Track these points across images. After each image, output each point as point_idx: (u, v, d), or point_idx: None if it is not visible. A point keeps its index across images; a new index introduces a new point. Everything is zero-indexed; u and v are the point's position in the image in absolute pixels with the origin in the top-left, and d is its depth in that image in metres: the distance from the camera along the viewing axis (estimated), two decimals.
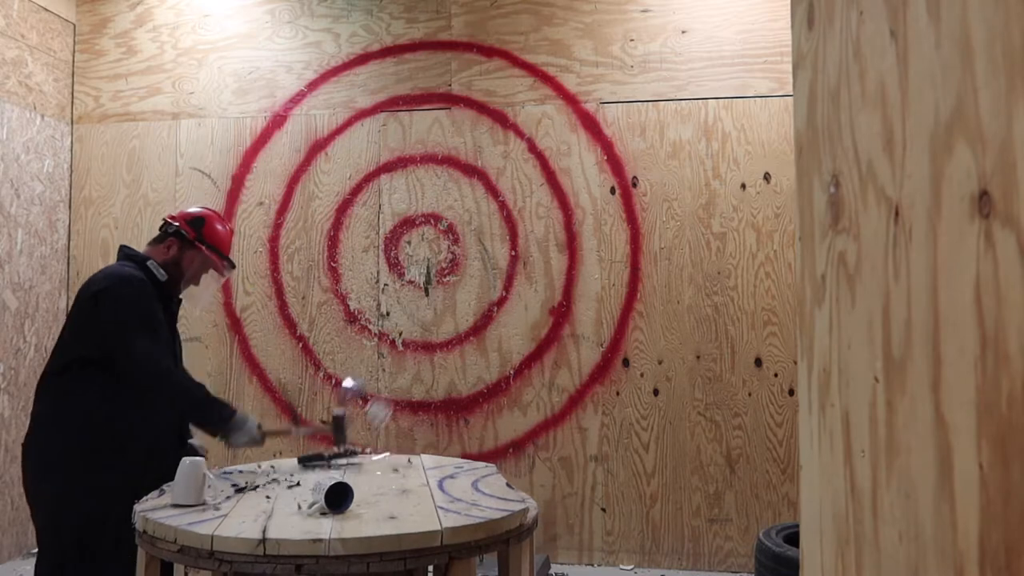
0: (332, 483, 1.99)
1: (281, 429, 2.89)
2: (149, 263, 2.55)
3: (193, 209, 2.74)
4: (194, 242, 2.61)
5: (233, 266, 2.77)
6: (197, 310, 2.75)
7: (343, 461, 2.63)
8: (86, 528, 2.32)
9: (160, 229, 2.67)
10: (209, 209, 2.78)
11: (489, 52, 4.12)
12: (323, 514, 1.97)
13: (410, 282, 4.12)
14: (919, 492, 0.69)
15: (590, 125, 4.01)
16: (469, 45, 4.14)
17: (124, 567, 2.29)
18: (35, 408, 2.46)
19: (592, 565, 3.88)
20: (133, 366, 2.38)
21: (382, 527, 1.87)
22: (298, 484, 2.29)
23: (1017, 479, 0.55)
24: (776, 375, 3.80)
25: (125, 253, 2.60)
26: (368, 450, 2.76)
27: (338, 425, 2.74)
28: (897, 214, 0.73)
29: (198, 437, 2.67)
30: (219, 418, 2.46)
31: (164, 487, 2.26)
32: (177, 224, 2.63)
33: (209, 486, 2.13)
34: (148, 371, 2.39)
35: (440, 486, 2.29)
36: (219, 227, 2.69)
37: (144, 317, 2.43)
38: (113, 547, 2.33)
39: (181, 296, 2.69)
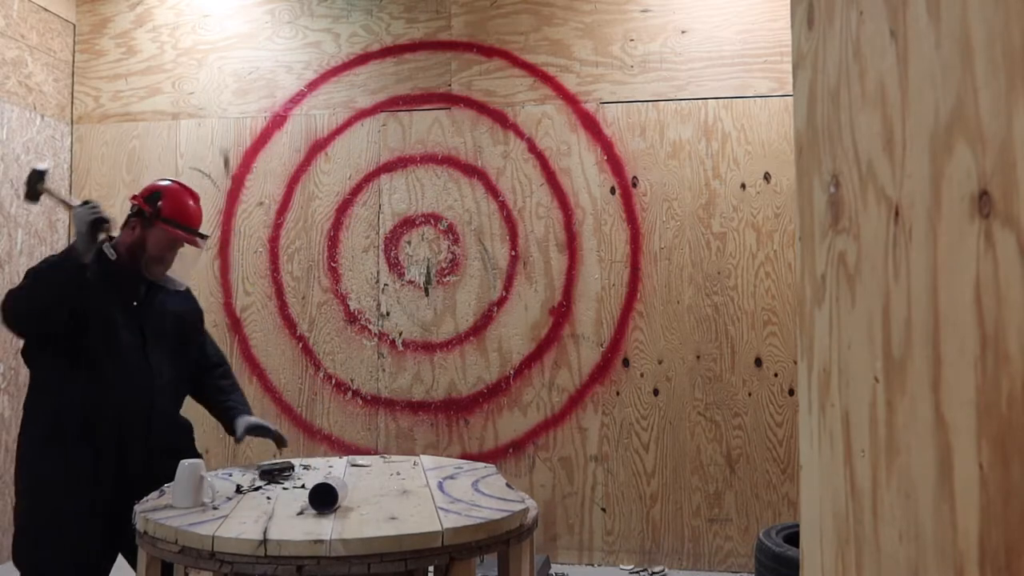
0: (316, 484, 2.01)
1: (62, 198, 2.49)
2: (104, 246, 2.39)
3: (156, 182, 2.56)
4: (152, 219, 2.42)
5: (204, 237, 2.55)
6: (183, 286, 2.62)
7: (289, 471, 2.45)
8: (51, 518, 2.32)
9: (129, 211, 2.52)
10: (171, 180, 2.59)
11: (489, 52, 4.12)
12: (321, 514, 1.97)
13: (410, 282, 4.12)
14: (919, 492, 0.69)
15: (590, 125, 4.01)
16: (469, 45, 4.14)
17: (83, 553, 2.30)
18: None
19: (592, 565, 3.88)
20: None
21: (383, 528, 1.87)
22: (303, 486, 2.29)
23: (1017, 479, 0.55)
24: (776, 375, 3.80)
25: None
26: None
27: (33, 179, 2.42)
28: (897, 214, 0.73)
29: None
30: (65, 257, 2.29)
31: (164, 487, 2.27)
32: (135, 205, 2.47)
33: (208, 488, 2.13)
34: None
35: (440, 487, 2.29)
36: (179, 199, 2.48)
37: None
38: (77, 534, 2.31)
39: (154, 278, 2.49)
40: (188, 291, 2.67)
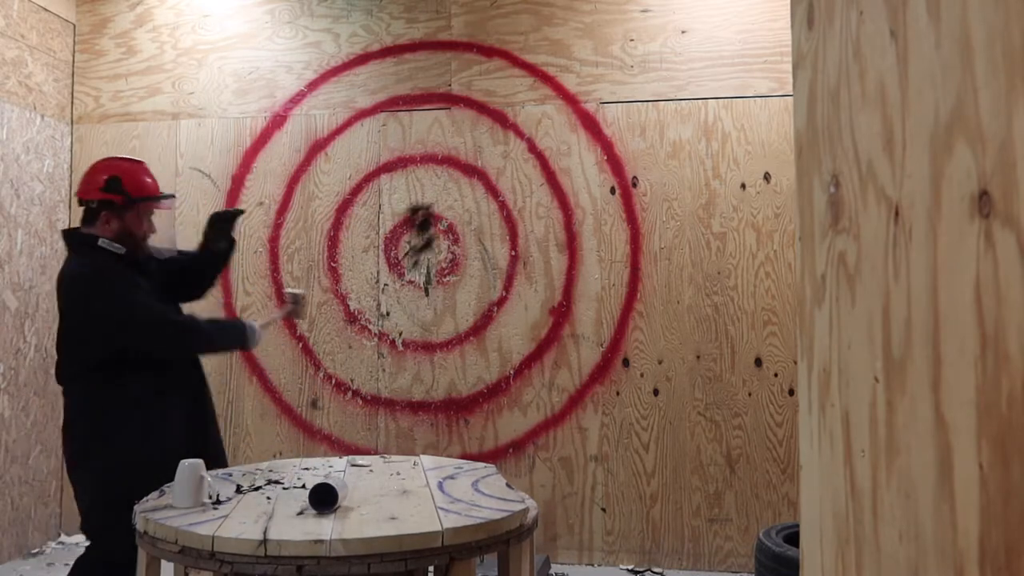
0: (316, 484, 2.01)
1: (271, 318, 3.12)
2: (101, 242, 2.49)
3: (97, 170, 2.57)
4: (125, 204, 2.50)
5: (172, 196, 2.74)
6: (167, 253, 2.78)
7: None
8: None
9: (83, 206, 2.55)
10: (111, 160, 2.64)
11: (489, 52, 4.12)
12: (321, 514, 1.97)
13: (410, 282, 4.12)
14: (919, 492, 0.69)
15: (590, 125, 4.00)
16: (469, 45, 4.14)
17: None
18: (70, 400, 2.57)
19: (592, 565, 3.88)
20: (143, 329, 2.48)
21: (383, 528, 1.87)
22: (303, 486, 2.29)
23: (1017, 479, 0.55)
24: (776, 375, 3.80)
25: (78, 240, 2.54)
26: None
27: (295, 300, 2.98)
28: (897, 214, 0.73)
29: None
30: (237, 341, 2.69)
31: (164, 487, 2.27)
32: (97, 199, 2.50)
33: (209, 489, 2.13)
34: (154, 324, 2.49)
35: (440, 487, 2.29)
36: (135, 175, 2.56)
37: (128, 294, 2.47)
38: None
39: (151, 253, 2.63)
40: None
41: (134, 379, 2.48)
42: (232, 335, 2.70)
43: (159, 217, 2.64)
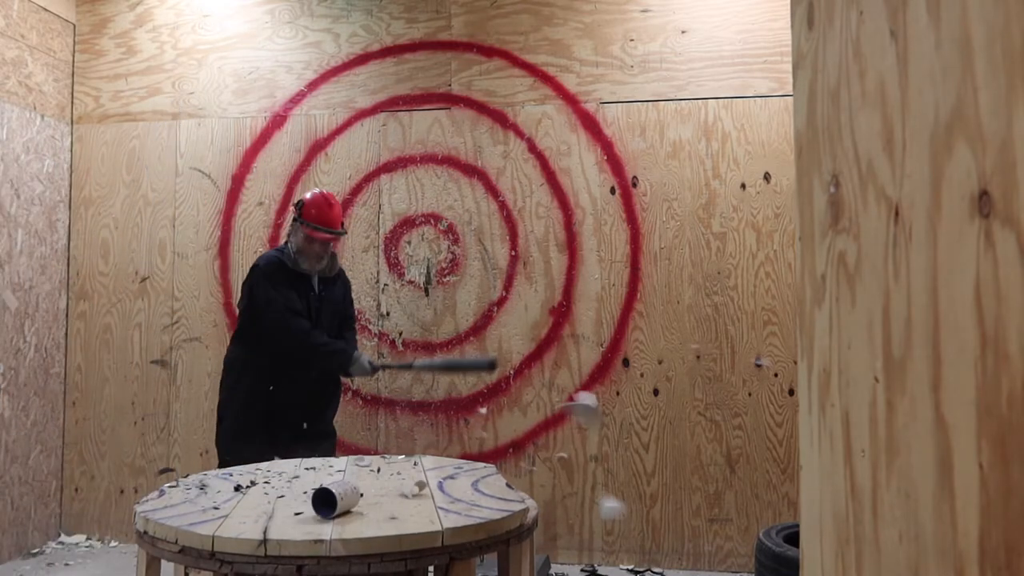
0: (317, 488, 2.01)
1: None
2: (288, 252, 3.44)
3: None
4: (296, 222, 3.37)
5: (338, 233, 3.42)
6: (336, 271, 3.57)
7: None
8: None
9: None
10: (316, 191, 3.46)
11: (489, 52, 4.11)
12: (323, 517, 1.97)
13: (410, 282, 4.12)
14: (919, 492, 0.69)
15: (590, 125, 4.00)
16: (469, 45, 4.14)
17: None
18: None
19: (592, 565, 3.88)
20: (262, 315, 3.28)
21: (383, 528, 1.87)
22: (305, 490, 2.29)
23: (1017, 479, 0.55)
24: (776, 375, 3.80)
25: None
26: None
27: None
28: (897, 214, 0.73)
29: None
30: (339, 364, 3.31)
31: (164, 487, 2.27)
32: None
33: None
34: (273, 319, 3.25)
35: (440, 487, 2.29)
36: (315, 202, 3.35)
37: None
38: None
39: (306, 271, 3.37)
40: (341, 272, 3.62)
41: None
42: (334, 364, 3.33)
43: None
